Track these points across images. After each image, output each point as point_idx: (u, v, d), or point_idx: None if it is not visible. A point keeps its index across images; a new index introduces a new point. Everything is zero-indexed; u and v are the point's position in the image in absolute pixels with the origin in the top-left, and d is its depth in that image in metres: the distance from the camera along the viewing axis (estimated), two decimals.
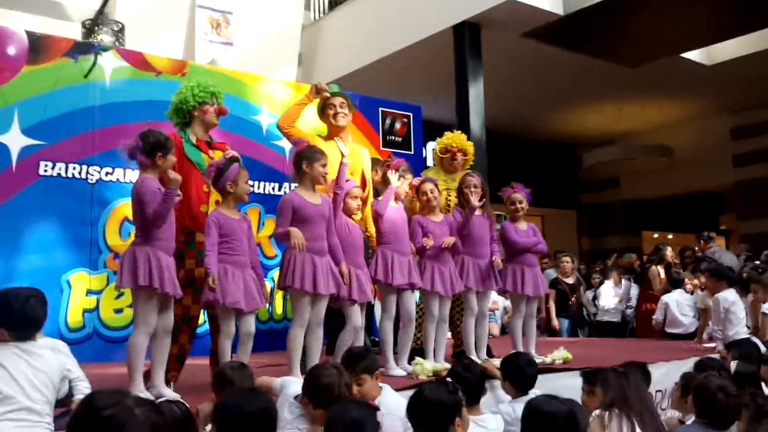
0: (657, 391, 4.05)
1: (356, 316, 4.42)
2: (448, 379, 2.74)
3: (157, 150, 3.77)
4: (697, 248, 9.07)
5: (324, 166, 4.28)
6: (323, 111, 5.10)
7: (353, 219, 4.57)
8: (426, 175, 5.38)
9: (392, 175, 4.77)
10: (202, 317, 4.55)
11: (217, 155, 4.44)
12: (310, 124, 5.59)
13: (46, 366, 2.96)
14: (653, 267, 8.88)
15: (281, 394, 3.27)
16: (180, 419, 2.51)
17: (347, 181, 4.60)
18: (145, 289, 3.62)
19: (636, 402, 3.16)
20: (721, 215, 18.72)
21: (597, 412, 3.12)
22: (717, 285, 6.19)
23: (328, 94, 5.03)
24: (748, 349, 5.43)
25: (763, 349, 5.40)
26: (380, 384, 3.43)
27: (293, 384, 3.29)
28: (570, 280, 9.41)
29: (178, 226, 4.05)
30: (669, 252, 8.86)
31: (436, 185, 5.02)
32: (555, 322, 9.03)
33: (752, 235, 14.21)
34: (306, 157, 4.27)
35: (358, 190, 4.61)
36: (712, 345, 6.54)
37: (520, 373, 3.66)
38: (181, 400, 2.86)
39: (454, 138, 5.70)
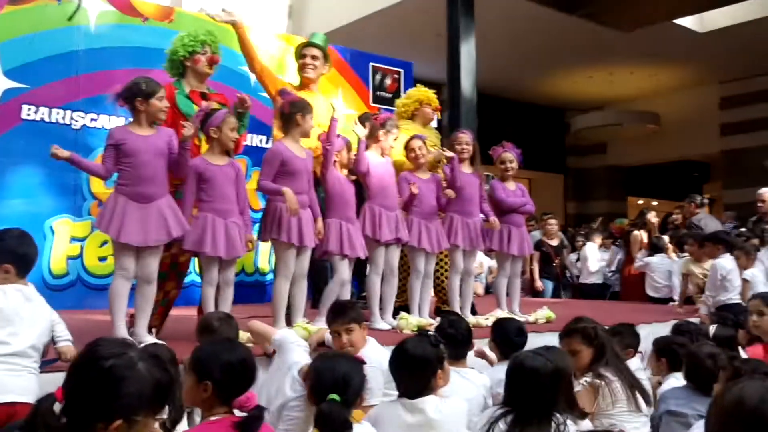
0: (638, 352, 4.08)
1: (344, 270, 4.42)
2: (431, 332, 2.74)
3: (136, 96, 3.70)
4: (681, 211, 9.10)
5: (311, 119, 4.24)
6: (297, 60, 5.09)
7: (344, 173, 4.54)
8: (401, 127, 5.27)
9: (357, 127, 4.61)
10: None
11: (213, 106, 4.36)
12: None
13: (42, 311, 2.95)
14: (635, 231, 8.94)
15: (279, 356, 3.21)
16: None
17: (338, 136, 4.55)
18: None
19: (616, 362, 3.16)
20: (705, 183, 18.81)
21: (586, 379, 3.06)
22: (714, 250, 6.22)
23: None
24: (731, 314, 5.51)
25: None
26: (367, 337, 3.45)
27: (293, 350, 3.16)
28: (554, 242, 9.47)
29: (170, 177, 3.99)
30: (652, 216, 8.88)
31: (424, 142, 4.98)
32: (538, 283, 9.11)
33: (736, 204, 14.30)
34: (300, 108, 4.22)
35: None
36: (694, 308, 6.63)
37: (507, 340, 3.64)
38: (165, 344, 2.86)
39: (422, 93, 5.65)
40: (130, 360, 1.57)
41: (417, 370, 2.63)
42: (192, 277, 5.47)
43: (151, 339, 3.68)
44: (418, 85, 5.85)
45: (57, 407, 1.53)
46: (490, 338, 3.80)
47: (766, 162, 13.03)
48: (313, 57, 5.00)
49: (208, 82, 4.56)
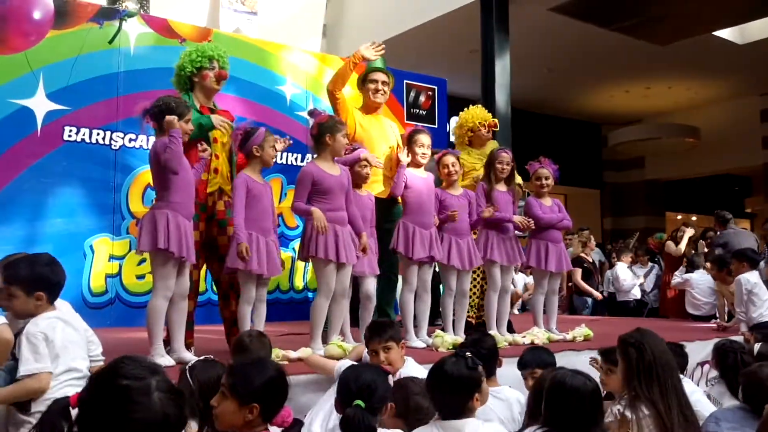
0: (684, 372, 4.00)
1: (369, 285, 4.44)
2: (468, 355, 2.69)
3: (165, 114, 3.73)
4: (716, 229, 8.93)
5: (345, 136, 4.25)
6: (363, 84, 5.24)
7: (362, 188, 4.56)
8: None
9: (402, 154, 4.67)
10: (204, 285, 4.57)
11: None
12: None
13: (81, 329, 3.02)
14: (669, 242, 8.82)
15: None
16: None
17: (357, 148, 4.56)
18: (163, 253, 3.62)
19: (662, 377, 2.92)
20: (747, 198, 18.46)
21: (618, 408, 2.87)
22: (739, 267, 6.11)
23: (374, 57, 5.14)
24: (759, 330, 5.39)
25: None
26: (405, 357, 3.43)
27: None
28: (591, 258, 9.38)
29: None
30: (688, 230, 8.71)
31: (458, 158, 4.96)
32: (596, 294, 9.13)
33: None
34: (328, 128, 4.23)
35: (370, 158, 4.56)
36: (729, 325, 6.49)
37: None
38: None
39: (476, 113, 5.70)
40: (147, 386, 1.53)
41: (455, 391, 2.59)
42: (209, 294, 5.53)
43: (190, 356, 3.71)
44: (468, 108, 5.86)
45: (73, 413, 1.52)
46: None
47: None
48: (384, 83, 5.24)
49: (226, 98, 4.60)
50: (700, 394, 3.77)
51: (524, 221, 5.05)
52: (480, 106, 5.91)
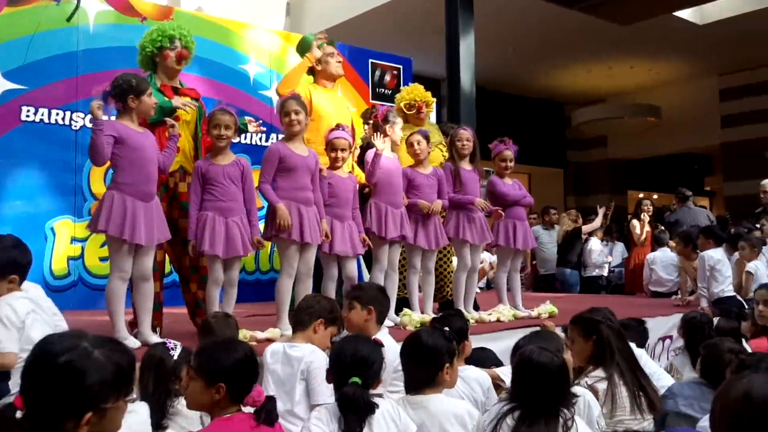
0: (643, 347, 4.09)
1: (351, 266, 4.43)
2: (446, 328, 2.75)
3: (128, 93, 3.68)
4: (674, 205, 9.09)
5: (287, 116, 4.18)
6: (321, 58, 5.07)
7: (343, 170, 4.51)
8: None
9: (378, 140, 4.61)
10: (169, 266, 4.53)
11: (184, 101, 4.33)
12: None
13: (50, 313, 3.03)
14: (633, 221, 8.96)
15: None
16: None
17: (334, 129, 4.53)
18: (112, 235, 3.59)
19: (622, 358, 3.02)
20: (706, 176, 18.80)
21: (587, 381, 2.95)
22: (705, 243, 6.24)
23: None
24: (729, 306, 5.53)
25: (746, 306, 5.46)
26: (382, 330, 3.46)
27: None
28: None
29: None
30: (648, 207, 8.84)
31: (426, 137, 4.96)
32: None
33: (736, 196, 14.31)
34: (286, 113, 4.20)
35: (340, 141, 4.47)
36: (690, 299, 6.63)
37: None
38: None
39: (416, 92, 5.60)
40: (85, 350, 1.54)
41: (427, 361, 2.64)
42: (174, 276, 5.49)
43: (156, 338, 3.67)
44: (403, 87, 5.83)
45: (19, 414, 1.49)
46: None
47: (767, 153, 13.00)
48: (337, 54, 5.10)
49: (189, 77, 4.55)
50: (656, 367, 3.87)
51: (485, 204, 5.06)
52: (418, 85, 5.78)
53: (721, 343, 3.22)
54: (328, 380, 2.50)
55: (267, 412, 2.19)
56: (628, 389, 2.91)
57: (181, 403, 2.60)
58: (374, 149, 4.57)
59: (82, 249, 6.14)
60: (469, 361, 3.41)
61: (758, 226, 7.58)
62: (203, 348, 2.39)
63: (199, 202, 3.95)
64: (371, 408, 2.36)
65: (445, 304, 5.42)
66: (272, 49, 7.52)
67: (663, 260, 7.90)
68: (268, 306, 5.08)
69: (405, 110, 5.51)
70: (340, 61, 5.07)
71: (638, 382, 2.97)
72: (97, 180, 6.19)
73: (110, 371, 1.54)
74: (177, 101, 4.13)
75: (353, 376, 2.40)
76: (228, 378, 2.21)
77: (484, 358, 3.66)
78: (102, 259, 6.14)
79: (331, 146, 4.44)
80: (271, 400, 2.22)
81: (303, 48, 5.15)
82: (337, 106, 5.05)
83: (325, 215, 4.30)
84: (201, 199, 3.95)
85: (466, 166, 5.11)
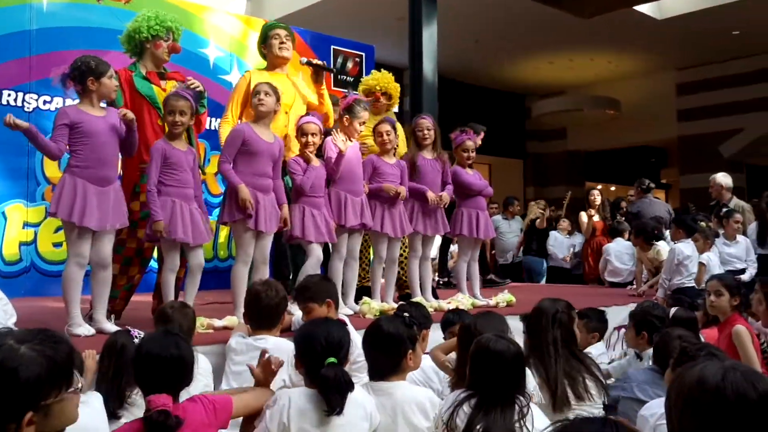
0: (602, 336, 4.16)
1: (317, 251, 4.41)
2: (405, 314, 2.75)
3: (87, 75, 3.62)
4: (633, 195, 9.19)
5: (255, 95, 4.15)
6: (265, 42, 5.01)
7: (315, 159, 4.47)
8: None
9: (340, 141, 4.52)
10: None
11: (170, 86, 4.29)
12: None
13: None
14: (581, 212, 9.06)
15: None
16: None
17: (304, 115, 4.48)
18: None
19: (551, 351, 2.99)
20: (662, 168, 19.14)
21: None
22: (676, 233, 6.35)
23: None
24: (686, 297, 5.63)
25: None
26: (341, 316, 3.45)
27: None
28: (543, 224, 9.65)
29: (137, 160, 4.00)
30: (596, 197, 8.91)
31: (393, 126, 4.94)
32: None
33: (691, 189, 14.60)
34: (256, 92, 4.16)
35: (310, 126, 4.43)
36: (644, 289, 6.74)
37: None
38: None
39: (380, 79, 5.58)
40: (10, 348, 1.46)
41: (389, 348, 2.65)
42: (152, 263, 5.39)
43: (111, 326, 3.62)
44: (373, 72, 5.78)
45: None
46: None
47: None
48: (286, 36, 4.99)
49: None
50: (606, 357, 3.94)
51: (436, 199, 5.04)
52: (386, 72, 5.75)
53: (671, 332, 3.29)
54: (297, 367, 2.47)
55: (152, 424, 2.07)
56: (566, 376, 2.90)
57: (138, 393, 2.55)
58: (336, 147, 4.50)
59: (35, 234, 6.00)
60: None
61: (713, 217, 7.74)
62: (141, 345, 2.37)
63: (157, 185, 3.85)
64: (351, 385, 2.37)
65: (405, 295, 5.43)
66: (233, 33, 7.43)
67: (617, 250, 7.99)
68: (227, 293, 5.03)
69: (363, 95, 5.47)
70: (283, 44, 4.95)
71: (576, 369, 2.96)
72: (51, 164, 6.03)
73: (43, 366, 1.46)
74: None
75: (328, 357, 2.39)
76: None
77: None
78: (56, 245, 6.02)
79: (301, 131, 4.41)
80: (161, 414, 2.07)
81: (262, 34, 5.12)
82: (285, 90, 4.95)
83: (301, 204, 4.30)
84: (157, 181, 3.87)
85: (426, 155, 5.11)
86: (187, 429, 2.13)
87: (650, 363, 3.56)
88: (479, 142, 7.36)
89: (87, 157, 3.60)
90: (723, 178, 7.96)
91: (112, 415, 2.47)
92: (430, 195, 4.99)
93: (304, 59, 5.30)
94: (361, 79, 5.74)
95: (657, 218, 7.74)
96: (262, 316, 3.22)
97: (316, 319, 2.83)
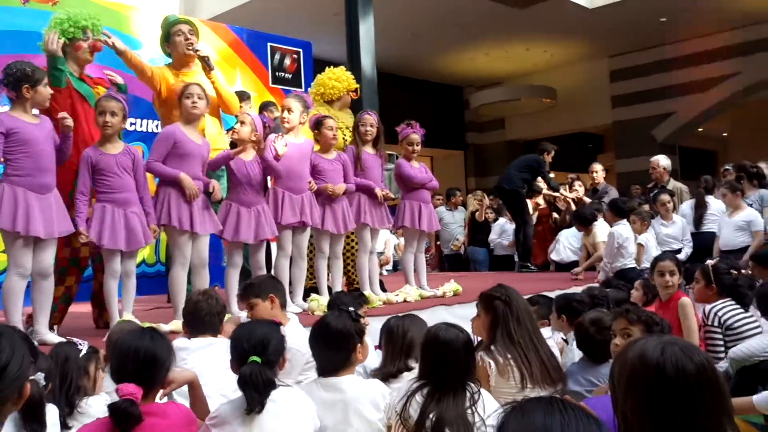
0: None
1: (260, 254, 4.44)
2: (350, 309, 2.75)
3: (22, 82, 3.52)
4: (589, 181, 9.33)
5: (189, 98, 4.09)
6: (168, 39, 4.79)
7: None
8: (318, 112, 5.26)
9: (280, 145, 4.47)
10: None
11: (101, 91, 4.21)
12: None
13: None
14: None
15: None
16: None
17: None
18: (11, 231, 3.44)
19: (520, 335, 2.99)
20: (599, 154, 19.55)
21: (480, 354, 2.93)
22: (613, 218, 6.52)
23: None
24: (629, 277, 5.78)
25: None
26: (289, 315, 3.44)
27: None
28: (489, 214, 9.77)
29: (73, 166, 3.89)
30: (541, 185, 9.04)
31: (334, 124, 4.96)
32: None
33: (626, 173, 14.99)
34: (189, 94, 4.12)
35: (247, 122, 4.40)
36: (580, 270, 6.88)
37: None
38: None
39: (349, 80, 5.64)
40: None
41: (338, 344, 2.65)
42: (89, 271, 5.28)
43: (54, 337, 3.53)
44: (330, 67, 5.74)
45: None
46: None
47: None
48: (190, 32, 4.78)
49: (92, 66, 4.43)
50: (552, 341, 4.03)
51: (384, 194, 5.08)
52: (343, 69, 5.81)
53: (583, 320, 3.38)
54: (233, 369, 2.44)
55: (116, 411, 2.08)
56: (515, 362, 2.89)
57: (87, 403, 2.53)
58: (274, 150, 4.47)
59: None
60: None
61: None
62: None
63: (89, 192, 3.83)
64: (271, 385, 2.29)
65: (354, 290, 5.44)
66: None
67: (568, 235, 8.09)
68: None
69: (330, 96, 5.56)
70: (188, 41, 4.71)
71: (531, 354, 2.94)
72: None
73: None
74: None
75: (251, 356, 2.34)
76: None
77: None
78: None
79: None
80: (126, 402, 2.08)
81: (163, 31, 4.87)
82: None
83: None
84: (90, 189, 3.84)
85: (368, 150, 5.14)
86: (162, 427, 2.14)
87: (573, 344, 3.71)
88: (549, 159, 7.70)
89: (25, 166, 3.50)
90: (664, 161, 8.17)
91: (63, 425, 2.43)
92: (379, 192, 5.03)
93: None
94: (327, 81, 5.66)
95: (621, 200, 7.82)
96: (204, 324, 3.17)
97: (246, 322, 2.81)
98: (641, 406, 1.41)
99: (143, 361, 2.22)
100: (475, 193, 10.31)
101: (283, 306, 3.44)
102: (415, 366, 2.95)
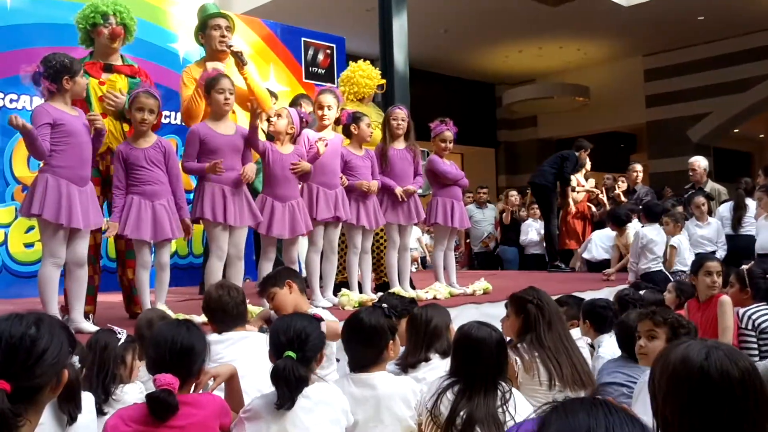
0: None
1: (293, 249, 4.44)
2: (384, 305, 2.75)
3: (62, 74, 3.57)
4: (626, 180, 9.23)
5: (221, 93, 4.11)
6: (204, 31, 4.80)
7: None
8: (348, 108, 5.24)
9: (321, 144, 4.50)
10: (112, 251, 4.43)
11: (119, 79, 4.23)
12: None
13: None
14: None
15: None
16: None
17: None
18: (45, 219, 3.49)
19: (551, 338, 2.98)
20: (632, 154, 19.33)
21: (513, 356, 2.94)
22: (642, 219, 6.46)
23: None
24: (655, 280, 5.72)
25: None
26: (318, 311, 3.44)
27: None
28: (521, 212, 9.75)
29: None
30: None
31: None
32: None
33: (659, 173, 14.78)
34: (209, 86, 4.14)
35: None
36: (613, 272, 6.80)
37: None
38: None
39: (378, 76, 5.63)
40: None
41: (370, 340, 2.65)
42: (104, 261, 5.36)
43: (89, 325, 3.58)
44: (359, 62, 5.72)
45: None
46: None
47: None
48: (227, 27, 4.79)
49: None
50: (582, 342, 4.00)
51: (402, 194, 5.03)
52: (369, 63, 5.75)
53: (627, 317, 3.33)
54: (271, 361, 2.45)
55: (154, 400, 2.11)
56: (543, 361, 2.88)
57: (123, 390, 2.55)
58: (315, 148, 4.50)
59: (5, 235, 5.90)
60: None
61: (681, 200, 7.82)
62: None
63: (124, 187, 3.89)
64: (303, 381, 2.28)
65: (381, 285, 5.44)
66: None
67: (601, 235, 8.01)
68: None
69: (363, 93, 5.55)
70: (224, 37, 4.73)
71: (561, 357, 2.93)
72: (20, 163, 5.95)
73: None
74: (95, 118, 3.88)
75: (287, 351, 2.32)
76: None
77: None
78: (27, 246, 5.92)
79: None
80: (164, 392, 2.11)
81: (200, 20, 4.87)
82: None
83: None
84: (125, 183, 3.89)
85: (397, 146, 5.11)
86: (197, 417, 2.16)
87: (600, 350, 3.68)
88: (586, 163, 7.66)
89: (68, 157, 3.56)
90: (704, 162, 8.06)
91: (99, 411, 2.46)
92: (398, 191, 4.98)
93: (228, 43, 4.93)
94: (342, 73, 5.68)
95: (654, 203, 7.73)
96: (233, 317, 3.16)
97: (286, 315, 2.80)
98: (683, 409, 1.40)
99: (180, 352, 2.24)
100: (507, 192, 10.28)
101: (302, 291, 3.44)
102: (434, 357, 2.95)
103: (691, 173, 8.07)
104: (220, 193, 4.02)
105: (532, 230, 9.59)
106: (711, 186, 7.94)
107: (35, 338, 1.48)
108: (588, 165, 8.68)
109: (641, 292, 4.65)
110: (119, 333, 2.67)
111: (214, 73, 4.27)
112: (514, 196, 10.10)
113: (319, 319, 2.57)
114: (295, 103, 5.56)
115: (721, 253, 6.75)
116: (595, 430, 1.07)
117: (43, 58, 3.62)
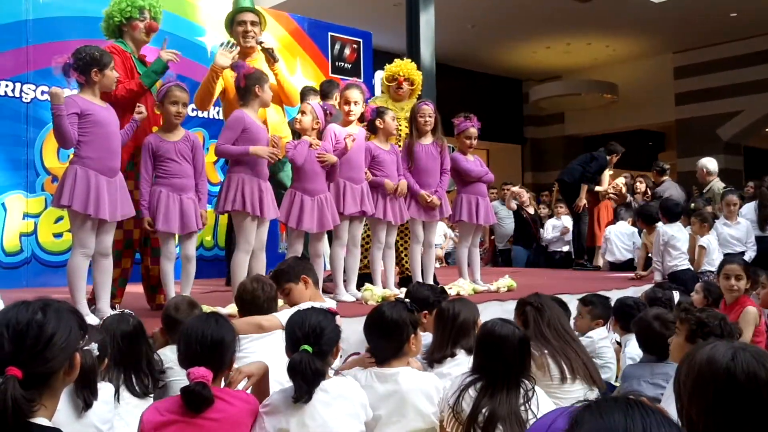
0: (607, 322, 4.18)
1: (319, 243, 4.47)
2: (406, 300, 2.76)
3: (92, 66, 3.61)
4: (652, 179, 9.16)
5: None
6: (231, 27, 4.85)
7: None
8: (374, 104, 5.27)
9: (350, 141, 4.50)
10: None
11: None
12: None
13: None
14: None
15: None
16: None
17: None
18: (75, 210, 3.54)
19: (553, 336, 3.06)
20: (660, 152, 19.12)
21: None
22: (663, 218, 6.38)
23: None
24: (682, 279, 5.65)
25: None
26: (331, 304, 3.46)
27: None
28: (531, 210, 9.61)
29: (129, 145, 4.00)
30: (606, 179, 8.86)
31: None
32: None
33: (688, 172, 14.58)
34: (256, 80, 4.16)
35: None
36: (644, 274, 6.73)
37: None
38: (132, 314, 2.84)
39: (402, 66, 5.62)
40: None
41: (391, 334, 2.66)
42: None
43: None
44: (396, 60, 5.73)
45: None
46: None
47: None
48: (252, 23, 4.81)
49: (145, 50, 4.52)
50: (607, 341, 3.98)
51: (426, 199, 5.00)
52: (409, 61, 5.81)
53: (646, 315, 3.29)
54: (288, 356, 2.46)
55: (189, 393, 2.14)
56: (552, 357, 2.97)
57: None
58: (343, 143, 4.51)
59: (35, 225, 5.99)
60: None
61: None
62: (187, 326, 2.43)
63: (150, 178, 3.94)
64: (320, 375, 2.29)
65: (404, 279, 5.44)
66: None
67: (620, 233, 7.94)
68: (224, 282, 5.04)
69: (386, 82, 5.59)
70: (248, 33, 4.75)
71: (569, 352, 3.01)
72: (50, 154, 6.03)
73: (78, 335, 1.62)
74: (164, 54, 4.09)
75: (303, 345, 2.34)
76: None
77: None
78: (56, 236, 6.01)
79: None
80: (199, 385, 2.14)
81: (228, 15, 4.91)
82: None
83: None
84: (152, 175, 3.94)
85: (424, 141, 5.09)
86: (231, 412, 2.21)
87: (626, 350, 3.68)
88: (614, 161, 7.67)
89: (97, 148, 3.60)
90: (710, 164, 8.20)
91: (145, 393, 2.57)
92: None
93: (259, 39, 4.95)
94: (385, 66, 5.69)
95: (674, 202, 7.67)
96: (263, 311, 3.21)
97: (301, 309, 2.82)
98: (708, 410, 1.39)
99: (210, 345, 2.27)
100: (521, 188, 10.14)
101: (316, 284, 3.46)
102: (460, 353, 2.96)
103: (698, 175, 8.14)
104: (256, 187, 4.04)
105: (555, 228, 9.52)
106: (716, 186, 7.97)
107: (42, 323, 1.50)
108: (610, 170, 8.63)
109: (676, 295, 4.59)
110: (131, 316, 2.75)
111: (246, 66, 4.30)
112: (525, 193, 9.92)
113: (334, 313, 2.59)
114: (304, 96, 5.59)
115: (750, 254, 6.65)
116: (632, 431, 1.05)
117: (75, 50, 3.67)
